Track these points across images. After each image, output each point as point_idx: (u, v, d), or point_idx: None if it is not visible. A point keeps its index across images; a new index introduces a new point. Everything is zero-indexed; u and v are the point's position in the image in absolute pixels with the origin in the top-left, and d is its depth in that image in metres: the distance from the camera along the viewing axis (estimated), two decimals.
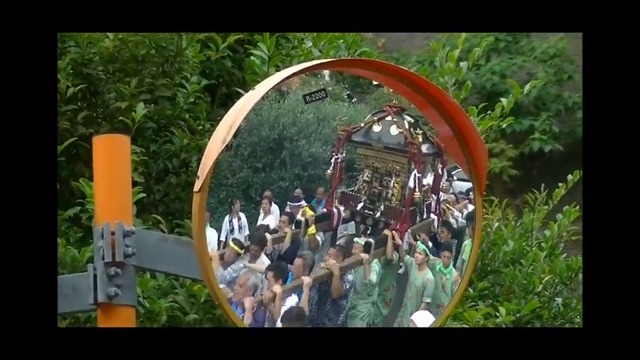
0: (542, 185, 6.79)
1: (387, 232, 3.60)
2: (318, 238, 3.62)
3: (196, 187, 2.72)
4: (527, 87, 5.96)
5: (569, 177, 6.47)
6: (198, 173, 2.72)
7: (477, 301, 5.58)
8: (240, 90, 5.68)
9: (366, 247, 3.53)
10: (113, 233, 3.02)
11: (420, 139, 3.56)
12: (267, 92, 2.79)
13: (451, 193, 3.91)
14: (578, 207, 6.04)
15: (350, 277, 3.49)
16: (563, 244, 6.65)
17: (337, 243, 3.63)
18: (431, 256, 3.66)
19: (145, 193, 4.25)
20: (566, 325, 6.53)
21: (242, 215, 3.44)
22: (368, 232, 3.73)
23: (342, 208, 3.70)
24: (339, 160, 3.66)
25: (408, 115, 3.64)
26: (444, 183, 3.84)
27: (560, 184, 6.54)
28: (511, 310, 5.49)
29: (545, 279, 6.05)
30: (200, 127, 5.44)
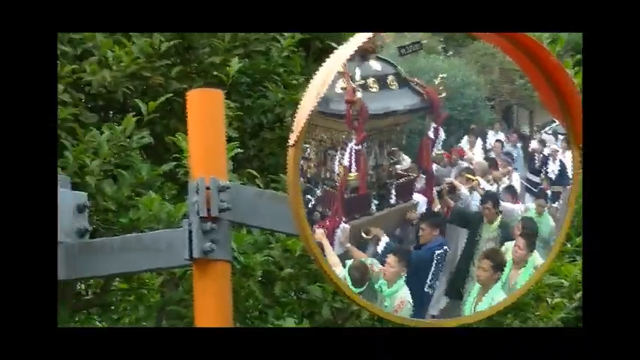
0: None
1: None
2: None
3: (291, 142, 2.72)
4: None
5: None
6: (293, 127, 2.72)
7: (575, 256, 5.50)
8: (334, 44, 5.65)
9: None
10: (208, 188, 3.02)
11: (360, 94, 2.96)
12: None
13: (484, 158, 3.35)
14: None
15: None
16: None
17: None
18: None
19: (241, 149, 4.25)
20: None
21: None
22: None
23: None
24: None
25: (379, 58, 3.15)
26: (437, 150, 3.22)
27: None
28: None
29: None
30: (294, 82, 5.43)
